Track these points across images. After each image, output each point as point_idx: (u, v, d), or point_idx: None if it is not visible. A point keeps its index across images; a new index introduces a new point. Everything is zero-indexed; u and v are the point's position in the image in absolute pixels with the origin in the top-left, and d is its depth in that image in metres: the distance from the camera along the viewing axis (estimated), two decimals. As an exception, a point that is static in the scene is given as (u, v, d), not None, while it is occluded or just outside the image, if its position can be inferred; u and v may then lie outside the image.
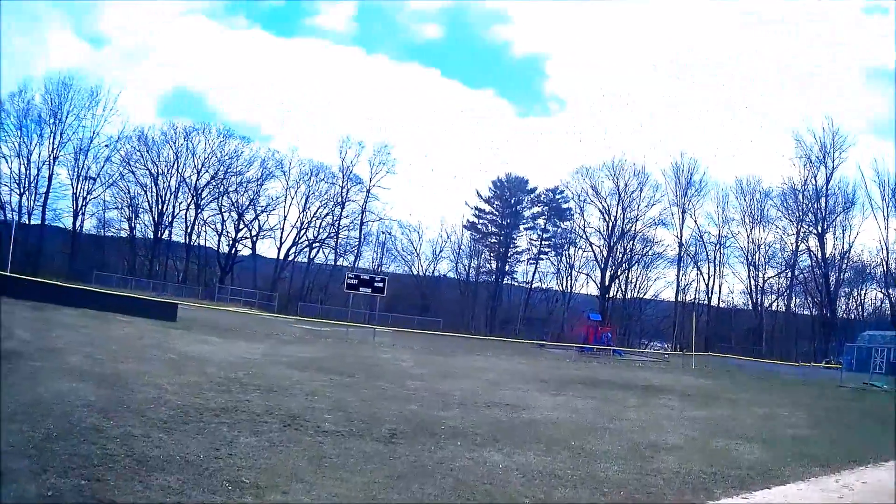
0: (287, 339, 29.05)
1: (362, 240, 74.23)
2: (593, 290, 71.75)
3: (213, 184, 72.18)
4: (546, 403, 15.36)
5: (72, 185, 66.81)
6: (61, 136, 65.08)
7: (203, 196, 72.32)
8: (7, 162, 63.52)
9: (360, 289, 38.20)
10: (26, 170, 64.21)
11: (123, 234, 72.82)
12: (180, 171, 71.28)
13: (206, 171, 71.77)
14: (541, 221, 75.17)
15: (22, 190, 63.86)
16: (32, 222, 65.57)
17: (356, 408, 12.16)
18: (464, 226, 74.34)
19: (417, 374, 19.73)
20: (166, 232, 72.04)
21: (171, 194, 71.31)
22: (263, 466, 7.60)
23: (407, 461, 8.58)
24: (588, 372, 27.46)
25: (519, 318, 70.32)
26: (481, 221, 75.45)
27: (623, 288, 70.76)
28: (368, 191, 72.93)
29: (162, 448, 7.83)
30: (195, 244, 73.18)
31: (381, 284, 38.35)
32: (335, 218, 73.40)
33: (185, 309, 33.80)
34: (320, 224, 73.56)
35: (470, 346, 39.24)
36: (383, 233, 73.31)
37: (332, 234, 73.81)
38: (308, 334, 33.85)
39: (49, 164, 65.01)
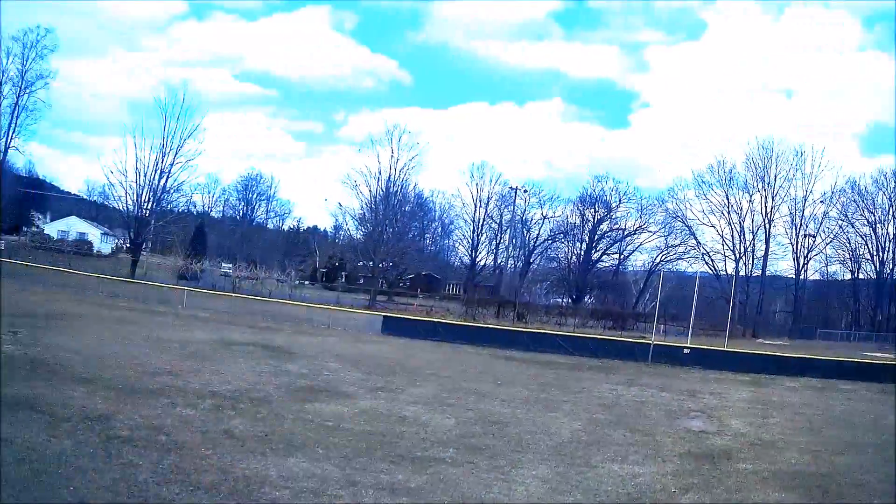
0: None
1: None
2: None
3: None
4: None
5: (791, 244, 73.54)
6: (773, 199, 71.94)
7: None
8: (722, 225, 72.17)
9: None
10: (739, 235, 72.22)
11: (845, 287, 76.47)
12: (896, 216, 72.78)
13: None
14: None
15: (737, 255, 70.85)
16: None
17: None
18: None
19: None
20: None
21: (890, 241, 73.44)
22: None
23: None
24: None
25: None
26: None
27: None
28: None
29: None
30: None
31: None
32: None
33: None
34: None
35: None
36: None
37: None
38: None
39: (765, 228, 72.38)
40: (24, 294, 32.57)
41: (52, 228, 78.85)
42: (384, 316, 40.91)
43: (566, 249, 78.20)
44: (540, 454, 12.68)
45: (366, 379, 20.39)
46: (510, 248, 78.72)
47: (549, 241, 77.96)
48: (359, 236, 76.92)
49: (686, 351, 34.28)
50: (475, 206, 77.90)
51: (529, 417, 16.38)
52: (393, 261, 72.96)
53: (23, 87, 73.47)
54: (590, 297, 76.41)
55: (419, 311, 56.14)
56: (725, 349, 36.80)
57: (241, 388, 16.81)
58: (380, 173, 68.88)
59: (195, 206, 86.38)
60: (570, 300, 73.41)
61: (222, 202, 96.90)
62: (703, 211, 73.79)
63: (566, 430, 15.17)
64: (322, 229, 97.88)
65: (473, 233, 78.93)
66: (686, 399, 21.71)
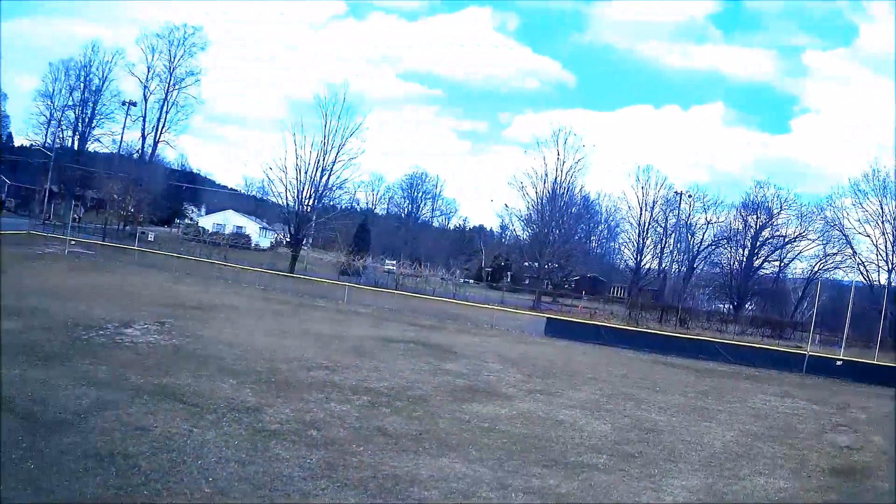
0: None
1: None
2: None
3: None
4: None
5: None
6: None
7: None
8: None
9: None
10: (892, 246, 67.90)
11: None
12: None
13: None
14: None
15: (890, 266, 67.01)
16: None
17: None
18: None
19: None
20: None
21: None
22: None
23: None
24: None
25: None
26: None
27: None
28: None
29: None
30: None
31: None
32: None
33: None
34: None
35: None
36: None
37: None
38: None
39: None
40: (175, 285, 34.38)
41: (207, 221, 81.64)
42: (547, 317, 40.94)
43: (728, 255, 75.76)
44: (691, 464, 12.60)
45: (525, 381, 20.09)
46: (674, 253, 76.93)
47: (713, 247, 75.81)
48: (525, 237, 77.97)
49: (839, 363, 34.58)
50: (640, 210, 76.26)
51: (684, 426, 16.32)
52: (559, 262, 72.95)
53: (171, 83, 78.60)
54: (750, 304, 73.68)
55: (583, 314, 55.33)
56: (876, 362, 36.50)
57: (398, 386, 16.87)
58: (546, 175, 69.32)
59: (358, 204, 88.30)
60: (731, 306, 70.86)
61: (386, 200, 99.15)
62: (858, 220, 69.68)
63: (718, 440, 15.24)
64: (488, 229, 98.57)
65: (639, 236, 77.40)
66: (835, 413, 21.82)
